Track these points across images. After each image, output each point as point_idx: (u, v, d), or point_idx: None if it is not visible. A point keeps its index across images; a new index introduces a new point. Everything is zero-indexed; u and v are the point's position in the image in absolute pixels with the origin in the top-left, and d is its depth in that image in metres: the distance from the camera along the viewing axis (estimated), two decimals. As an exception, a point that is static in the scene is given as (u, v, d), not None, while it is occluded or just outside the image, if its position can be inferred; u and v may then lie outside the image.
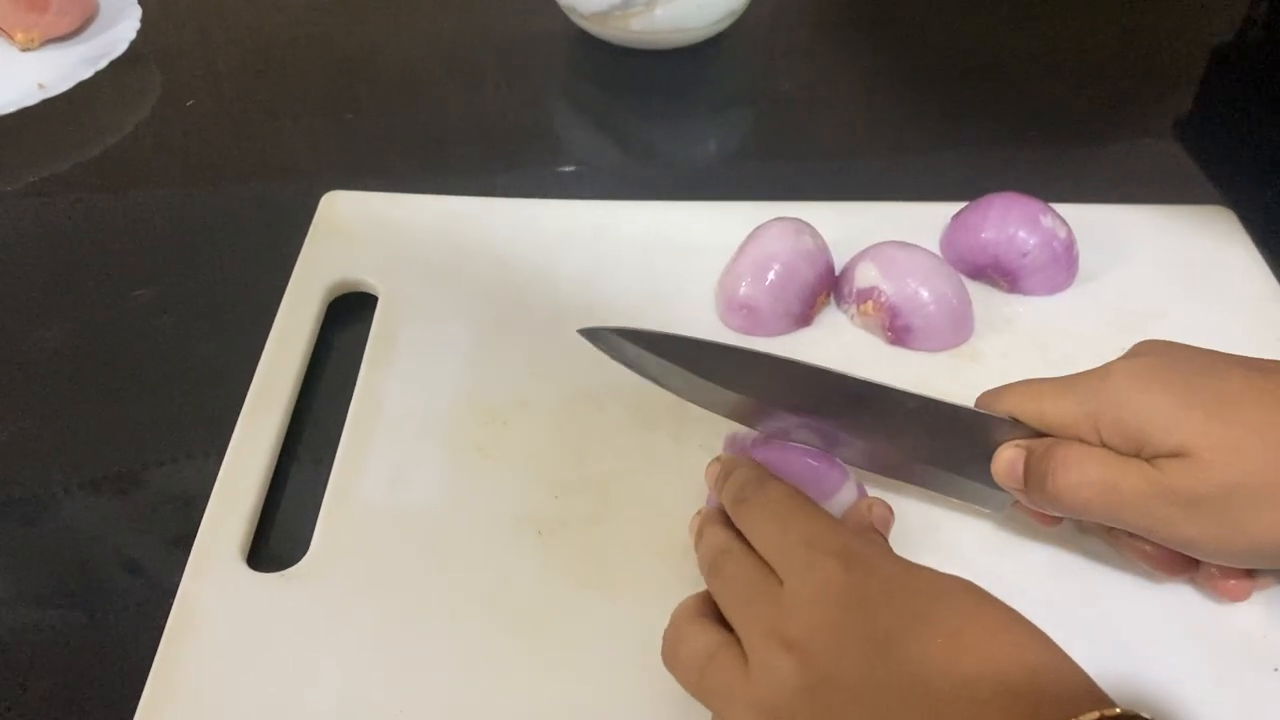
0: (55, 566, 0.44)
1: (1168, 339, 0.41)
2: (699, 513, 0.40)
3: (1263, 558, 0.37)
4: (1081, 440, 0.38)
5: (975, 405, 0.41)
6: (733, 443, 0.44)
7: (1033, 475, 0.38)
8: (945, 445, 0.41)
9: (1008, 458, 0.39)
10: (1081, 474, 0.37)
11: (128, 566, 0.44)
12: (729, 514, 0.37)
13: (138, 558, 0.44)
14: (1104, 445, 0.37)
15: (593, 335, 0.43)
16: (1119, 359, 0.40)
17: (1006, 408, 0.40)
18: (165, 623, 0.40)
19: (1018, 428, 0.40)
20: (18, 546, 0.45)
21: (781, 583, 0.32)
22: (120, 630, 0.42)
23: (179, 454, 0.48)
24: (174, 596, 0.41)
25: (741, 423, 0.44)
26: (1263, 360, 0.38)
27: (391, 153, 0.67)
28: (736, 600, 0.33)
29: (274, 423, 0.47)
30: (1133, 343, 0.51)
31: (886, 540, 0.39)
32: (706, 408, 0.43)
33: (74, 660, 0.41)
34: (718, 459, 0.41)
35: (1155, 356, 0.39)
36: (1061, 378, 0.40)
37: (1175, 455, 0.35)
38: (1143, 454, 0.36)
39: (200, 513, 0.43)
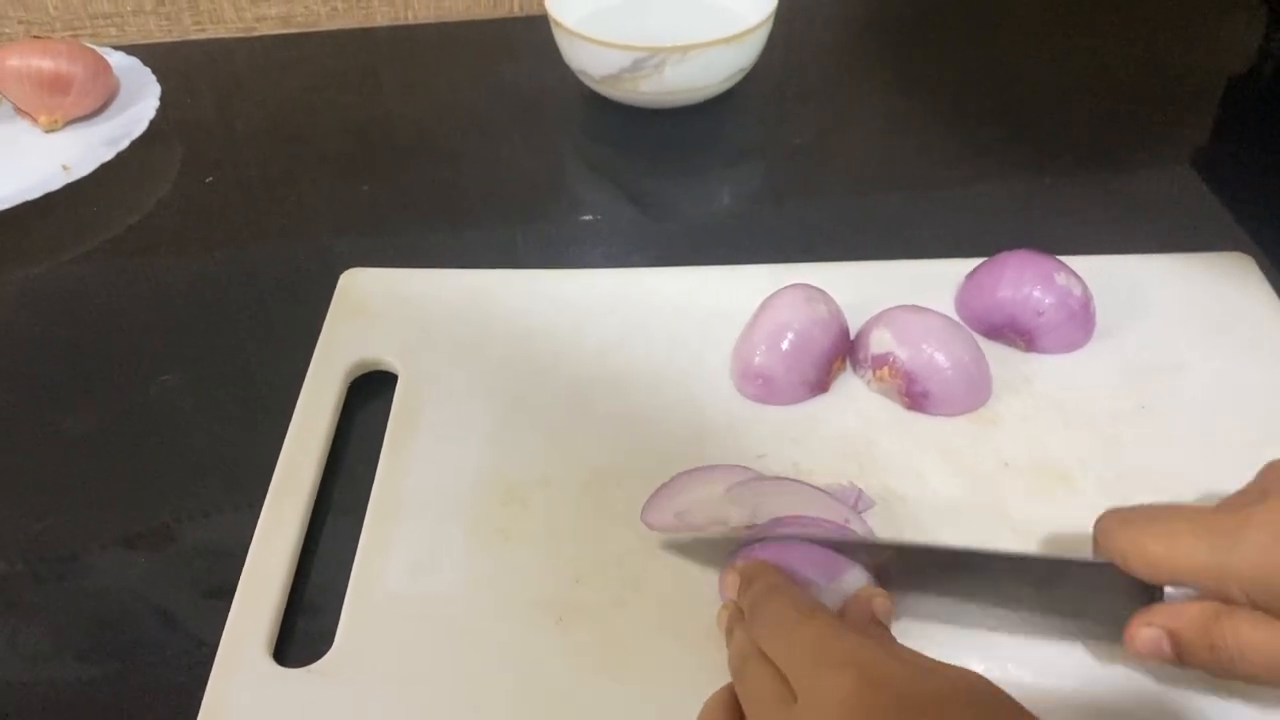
0: (92, 622, 0.45)
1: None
2: (725, 606, 0.40)
3: None
4: (1218, 595, 0.36)
5: (1095, 528, 0.39)
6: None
7: (1195, 656, 0.36)
8: (1038, 596, 0.40)
9: (1150, 637, 0.37)
10: (1260, 660, 0.35)
11: (162, 620, 0.45)
12: (746, 623, 0.37)
13: (172, 612, 0.46)
14: (1250, 602, 0.35)
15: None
16: (1254, 500, 0.36)
17: (1130, 547, 0.37)
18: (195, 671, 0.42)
19: (1126, 579, 0.38)
20: (56, 603, 0.46)
21: (796, 696, 0.32)
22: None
23: (210, 510, 0.50)
24: (205, 649, 0.43)
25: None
26: None
27: (410, 216, 0.68)
28: (757, 711, 0.33)
29: (298, 512, 0.47)
30: (1154, 399, 0.51)
31: (890, 632, 0.39)
32: None
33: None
34: (733, 568, 0.41)
35: None
36: (1186, 513, 0.37)
37: None
38: None
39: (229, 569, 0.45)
